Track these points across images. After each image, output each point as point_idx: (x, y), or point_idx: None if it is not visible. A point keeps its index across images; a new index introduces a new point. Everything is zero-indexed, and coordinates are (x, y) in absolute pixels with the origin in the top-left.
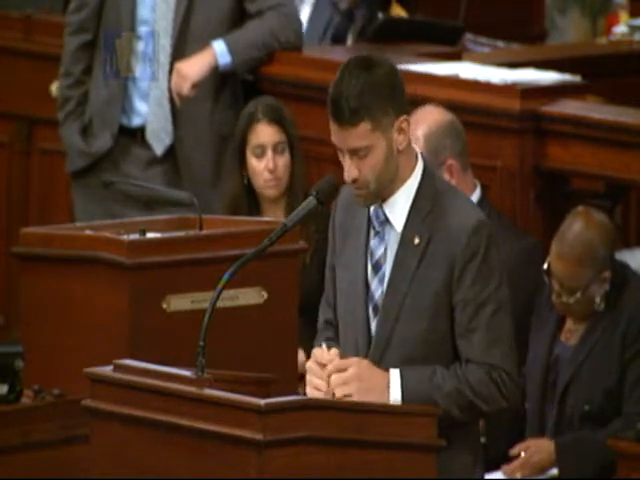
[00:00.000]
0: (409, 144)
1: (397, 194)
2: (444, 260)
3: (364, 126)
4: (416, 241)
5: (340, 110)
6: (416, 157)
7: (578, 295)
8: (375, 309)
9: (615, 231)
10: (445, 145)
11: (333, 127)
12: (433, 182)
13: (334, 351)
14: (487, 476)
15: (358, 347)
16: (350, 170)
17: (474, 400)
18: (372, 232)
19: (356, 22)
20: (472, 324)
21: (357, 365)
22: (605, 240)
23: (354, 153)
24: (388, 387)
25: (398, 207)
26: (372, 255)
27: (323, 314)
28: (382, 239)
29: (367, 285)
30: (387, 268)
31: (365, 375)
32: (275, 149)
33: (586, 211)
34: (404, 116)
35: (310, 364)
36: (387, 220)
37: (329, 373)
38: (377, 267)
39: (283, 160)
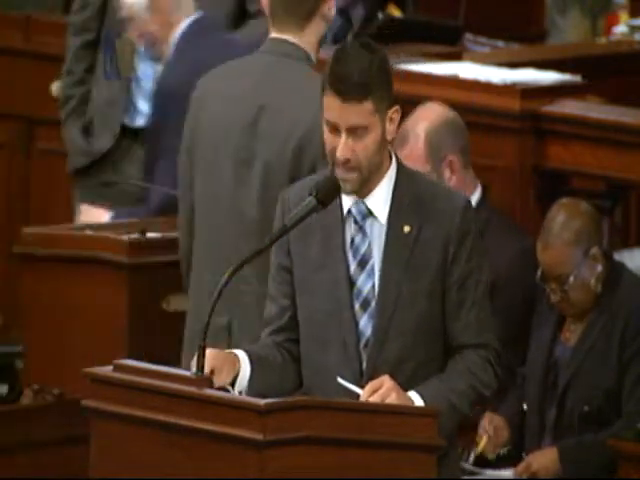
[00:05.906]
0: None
1: (378, 187)
2: (438, 243)
3: (367, 105)
4: (406, 229)
5: (347, 84)
6: (390, 150)
7: (572, 279)
8: (363, 305)
9: (599, 215)
10: (446, 142)
11: (334, 103)
12: (406, 171)
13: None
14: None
15: (346, 345)
16: (344, 149)
17: (481, 390)
18: (351, 229)
19: (354, 23)
20: (467, 302)
21: (390, 380)
22: (587, 221)
23: (352, 132)
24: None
25: (380, 199)
26: (356, 252)
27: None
28: (365, 234)
29: (351, 283)
30: (376, 262)
31: (398, 389)
32: None
33: (568, 202)
34: (396, 106)
35: None
36: (371, 213)
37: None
38: (363, 263)
39: None
